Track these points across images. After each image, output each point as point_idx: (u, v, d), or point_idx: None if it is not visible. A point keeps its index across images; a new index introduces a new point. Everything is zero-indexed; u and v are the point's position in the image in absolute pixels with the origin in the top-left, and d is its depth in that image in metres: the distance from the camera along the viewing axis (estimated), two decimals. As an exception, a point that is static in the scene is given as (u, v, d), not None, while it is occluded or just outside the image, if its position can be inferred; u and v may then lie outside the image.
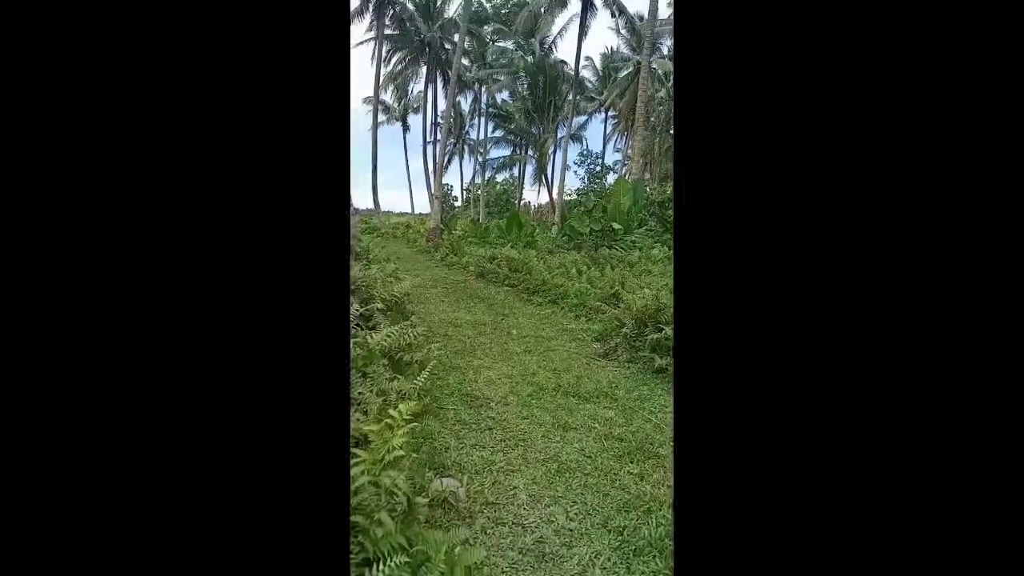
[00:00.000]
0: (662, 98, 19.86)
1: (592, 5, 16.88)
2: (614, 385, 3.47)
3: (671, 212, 10.02)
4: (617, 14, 17.55)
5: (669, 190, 12.33)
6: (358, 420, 2.04)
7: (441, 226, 13.19)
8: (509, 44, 22.51)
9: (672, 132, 18.12)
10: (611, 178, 17.61)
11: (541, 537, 1.87)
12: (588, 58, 22.74)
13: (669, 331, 3.63)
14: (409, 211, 26.64)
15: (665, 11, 15.94)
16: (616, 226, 10.40)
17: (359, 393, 2.45)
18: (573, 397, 3.23)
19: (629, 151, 20.10)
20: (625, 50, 21.06)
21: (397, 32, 20.25)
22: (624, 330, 4.03)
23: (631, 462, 2.45)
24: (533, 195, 26.14)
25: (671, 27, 16.81)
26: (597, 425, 2.83)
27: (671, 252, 7.94)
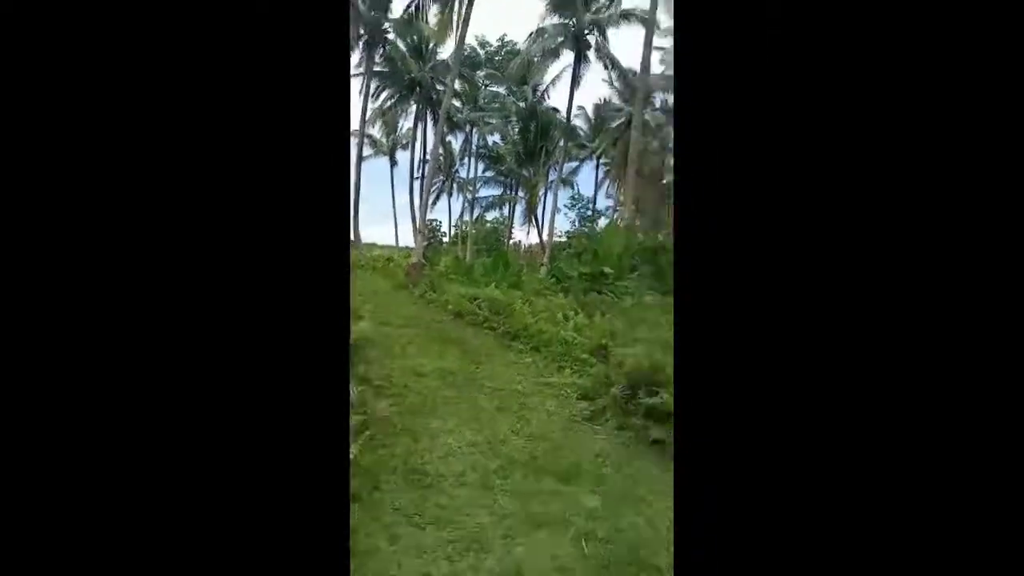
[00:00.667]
0: (656, 148, 20.07)
1: (585, 57, 17.19)
2: (600, 460, 2.84)
3: (663, 259, 9.77)
4: (610, 66, 17.86)
5: (661, 236, 12.10)
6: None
7: (423, 261, 12.65)
8: (501, 89, 22.84)
9: (664, 182, 18.22)
10: (602, 222, 17.40)
11: None
12: (580, 107, 22.89)
13: (665, 396, 3.03)
14: (394, 244, 26.08)
15: (658, 67, 16.18)
16: (608, 270, 9.98)
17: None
18: (550, 475, 2.59)
19: (621, 197, 20.11)
20: (617, 101, 21.39)
21: (387, 69, 20.40)
22: (614, 390, 3.42)
23: (620, 582, 1.80)
24: (523, 235, 25.83)
25: (663, 81, 17.21)
26: (577, 519, 2.19)
27: (664, 299, 7.54)
